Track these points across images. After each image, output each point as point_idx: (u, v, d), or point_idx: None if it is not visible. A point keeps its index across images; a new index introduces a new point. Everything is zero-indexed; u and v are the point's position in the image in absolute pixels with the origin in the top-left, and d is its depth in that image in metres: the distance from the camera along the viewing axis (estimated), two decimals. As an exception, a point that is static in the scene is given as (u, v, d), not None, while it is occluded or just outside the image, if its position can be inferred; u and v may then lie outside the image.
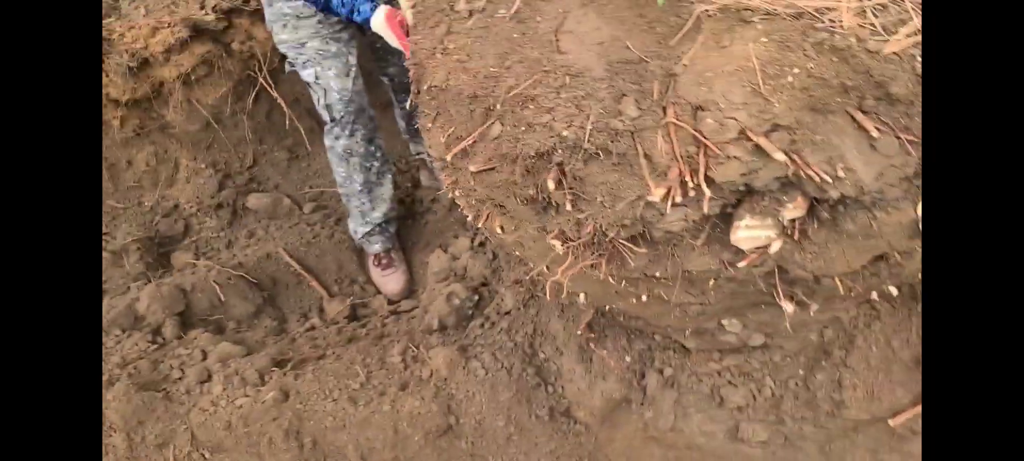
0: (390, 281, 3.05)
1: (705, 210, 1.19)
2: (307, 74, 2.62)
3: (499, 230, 1.54)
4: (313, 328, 2.87)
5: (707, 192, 1.17)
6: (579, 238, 1.34)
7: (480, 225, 1.58)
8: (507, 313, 2.38)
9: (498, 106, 1.38)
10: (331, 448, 2.20)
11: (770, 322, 1.58)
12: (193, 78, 3.16)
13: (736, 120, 1.15)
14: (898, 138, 1.12)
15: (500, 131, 1.38)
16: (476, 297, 2.60)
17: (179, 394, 2.30)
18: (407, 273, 3.10)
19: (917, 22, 1.11)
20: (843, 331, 1.57)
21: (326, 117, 2.70)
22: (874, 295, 1.51)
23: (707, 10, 1.23)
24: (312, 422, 2.21)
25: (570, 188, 1.30)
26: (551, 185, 1.30)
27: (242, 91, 3.37)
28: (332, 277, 3.21)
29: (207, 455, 2.22)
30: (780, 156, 1.14)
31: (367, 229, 2.95)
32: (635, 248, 1.31)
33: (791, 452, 1.65)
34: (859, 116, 1.13)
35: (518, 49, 1.41)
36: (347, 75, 2.62)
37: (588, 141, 1.24)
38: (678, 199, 1.21)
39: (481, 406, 2.16)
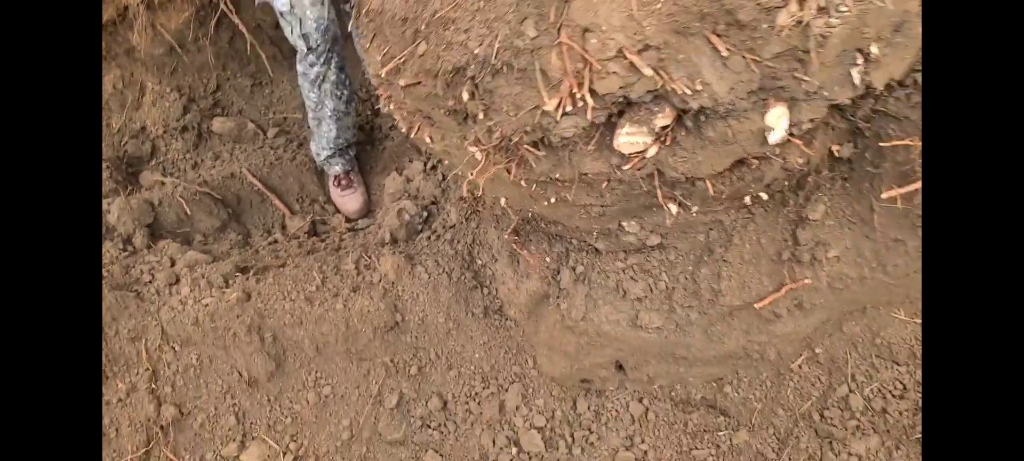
0: (349, 201, 3.26)
1: (589, 117, 1.43)
2: (281, 4, 2.64)
3: (428, 140, 1.77)
4: (275, 242, 3.10)
5: (591, 102, 1.40)
6: (491, 143, 1.57)
7: (412, 136, 1.80)
8: (451, 226, 2.62)
9: (424, 27, 1.59)
10: (289, 342, 2.45)
11: (663, 224, 1.83)
12: (156, 2, 3.27)
13: (615, 41, 1.38)
14: (743, 57, 1.36)
15: (425, 49, 1.59)
16: (425, 214, 2.84)
17: (150, 294, 2.52)
18: (365, 194, 3.31)
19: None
20: (724, 232, 1.83)
21: (302, 46, 2.74)
22: (748, 200, 1.78)
23: (597, -53, 1.43)
24: (272, 319, 2.45)
25: (481, 99, 1.52)
26: (465, 96, 1.52)
27: (204, 16, 3.49)
28: (294, 196, 3.42)
29: (177, 348, 2.46)
30: (649, 72, 1.37)
31: (329, 152, 3.14)
32: (536, 152, 1.55)
33: (681, 335, 1.93)
34: (714, 39, 1.36)
35: (444, -23, 1.60)
36: (322, 3, 2.66)
37: (495, 58, 1.46)
38: (569, 109, 1.44)
39: (424, 305, 2.42)
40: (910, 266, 1.67)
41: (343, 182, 3.23)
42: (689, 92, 1.39)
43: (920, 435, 1.71)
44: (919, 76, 1.58)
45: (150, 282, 2.64)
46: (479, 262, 2.44)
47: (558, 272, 2.05)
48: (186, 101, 3.62)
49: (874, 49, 1.38)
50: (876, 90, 1.48)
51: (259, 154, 3.56)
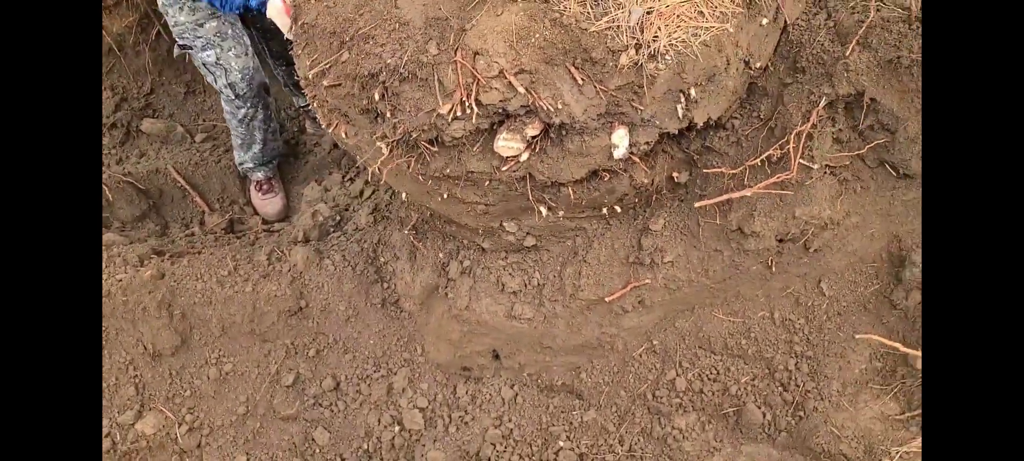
0: (269, 204, 3.47)
1: (474, 123, 1.78)
2: (206, 56, 2.71)
3: (344, 135, 2.08)
4: (192, 234, 3.28)
5: (475, 110, 1.76)
6: (395, 138, 1.90)
7: (331, 131, 2.10)
8: (360, 229, 2.90)
9: (348, 40, 1.92)
10: (197, 319, 2.64)
11: (537, 226, 2.19)
12: (102, 5, 3.47)
13: (498, 63, 1.75)
14: (594, 86, 1.75)
15: (347, 57, 1.92)
16: (338, 218, 3.11)
17: (66, 265, 2.66)
18: (285, 199, 3.53)
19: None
20: (587, 237, 2.21)
21: (230, 94, 2.87)
22: (605, 211, 2.16)
23: (491, -11, 1.82)
24: (183, 297, 2.64)
25: (389, 101, 1.86)
26: (377, 97, 1.86)
27: (146, 24, 3.71)
28: (215, 196, 3.61)
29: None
30: (522, 90, 1.74)
31: (252, 165, 3.32)
32: (431, 149, 1.88)
33: (548, 326, 2.27)
34: (573, 70, 1.75)
35: (368, 4, 1.95)
36: (247, 54, 2.78)
37: (403, 67, 1.81)
38: (458, 114, 1.79)
39: (328, 294, 2.68)
40: (726, 272, 2.08)
41: (264, 187, 3.44)
42: (553, 109, 1.77)
43: (726, 411, 2.09)
44: (736, 121, 2.03)
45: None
46: (382, 259, 2.73)
47: (447, 265, 2.37)
48: (118, 100, 3.78)
49: (693, 92, 1.81)
50: (697, 125, 1.90)
51: (185, 154, 3.73)
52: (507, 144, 1.85)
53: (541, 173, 1.92)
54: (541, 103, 1.76)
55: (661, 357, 2.21)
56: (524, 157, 1.89)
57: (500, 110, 1.80)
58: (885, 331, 1.97)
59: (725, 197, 1.91)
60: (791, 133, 1.83)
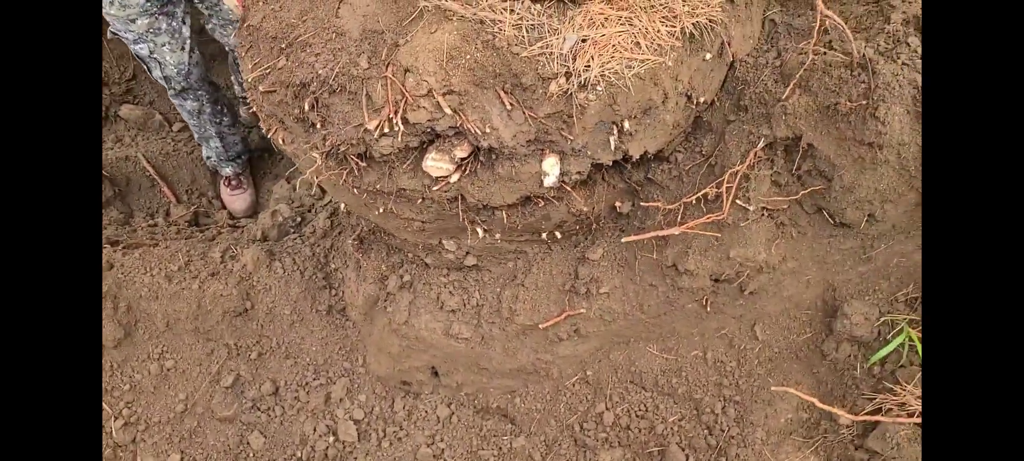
0: (237, 200, 3.46)
1: (400, 141, 1.75)
2: (139, 48, 2.61)
3: (281, 141, 2.05)
4: (155, 225, 3.27)
5: (401, 128, 1.72)
6: (325, 149, 1.86)
7: (270, 136, 2.08)
8: (316, 232, 2.88)
9: (287, 46, 1.89)
10: (142, 314, 2.63)
11: (476, 246, 2.15)
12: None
13: (427, 83, 1.71)
14: (523, 112, 1.71)
15: (284, 64, 1.89)
16: (299, 219, 3.09)
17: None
18: (253, 196, 3.52)
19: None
20: (527, 261, 2.17)
21: (167, 87, 2.81)
22: (545, 236, 2.12)
23: (427, 6, 1.78)
24: (129, 290, 2.63)
25: (320, 112, 1.82)
26: (307, 107, 1.83)
27: (129, 10, 3.69)
28: (184, 187, 3.60)
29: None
30: (449, 111, 1.70)
31: (216, 160, 3.30)
32: (360, 163, 1.85)
33: (484, 347, 2.24)
34: (502, 94, 1.71)
35: (312, 10, 1.92)
36: (182, 49, 2.66)
37: (334, 80, 1.78)
38: (386, 131, 1.75)
39: (275, 297, 2.65)
40: (661, 308, 2.04)
41: (233, 183, 3.42)
42: (480, 133, 1.73)
43: (651, 449, 2.05)
44: (680, 155, 1.98)
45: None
46: (333, 265, 2.70)
47: (387, 278, 2.34)
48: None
49: (627, 124, 1.76)
50: (632, 158, 1.85)
51: (159, 143, 3.73)
52: (436, 164, 1.81)
53: (472, 196, 1.88)
54: (469, 126, 1.72)
55: (593, 388, 2.17)
56: (454, 178, 1.85)
57: (428, 129, 1.76)
58: (814, 381, 1.92)
59: (652, 234, 1.87)
60: (728, 172, 1.78)
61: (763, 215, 1.85)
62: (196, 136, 3.19)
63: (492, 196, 1.88)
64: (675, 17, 1.75)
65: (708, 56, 1.83)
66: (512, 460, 2.20)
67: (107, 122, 3.83)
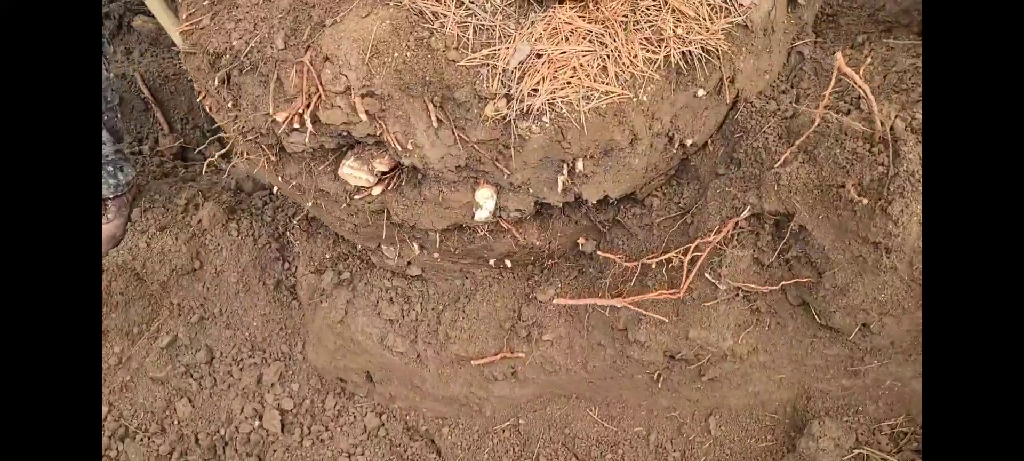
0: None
1: (308, 141, 1.48)
2: None
3: (207, 108, 1.80)
4: (139, 153, 3.12)
5: (309, 127, 1.45)
6: (237, 132, 1.61)
7: (199, 100, 1.84)
8: (282, 194, 2.66)
9: (218, 3, 1.63)
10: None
11: (418, 258, 1.89)
12: None
13: (347, 78, 1.42)
14: (453, 132, 1.41)
15: (206, 24, 1.63)
16: (276, 173, 2.87)
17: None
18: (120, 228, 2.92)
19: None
20: (474, 284, 1.89)
21: None
22: (493, 262, 1.84)
23: (365, -16, 1.48)
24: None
25: (231, 90, 1.57)
26: (217, 82, 1.57)
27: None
28: (179, 115, 3.43)
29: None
30: (364, 117, 1.42)
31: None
32: (271, 155, 1.59)
33: (419, 366, 2.00)
34: (430, 107, 1.41)
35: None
36: None
37: (246, 56, 1.51)
38: (297, 126, 1.48)
39: (225, 260, 2.47)
40: (608, 372, 1.74)
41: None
42: (402, 148, 1.44)
43: None
44: (656, 201, 1.65)
45: None
46: (290, 237, 2.49)
47: (324, 273, 2.11)
48: (118, -9, 3.61)
49: (580, 164, 1.44)
50: (588, 203, 1.53)
51: (163, 64, 3.56)
52: (353, 173, 1.54)
53: (397, 214, 1.61)
54: (389, 138, 1.44)
55: (523, 440, 1.91)
56: (376, 191, 1.57)
57: (345, 133, 1.48)
58: None
59: (589, 301, 1.55)
60: (697, 240, 1.44)
61: (736, 296, 1.51)
62: None
63: (420, 218, 1.60)
64: (661, 41, 1.40)
65: (701, 92, 1.47)
66: (424, 498, 1.99)
67: (120, 32, 3.68)
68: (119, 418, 2.41)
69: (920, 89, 1.35)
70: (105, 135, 2.54)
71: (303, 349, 2.35)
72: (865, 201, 1.27)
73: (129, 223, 2.58)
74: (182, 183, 2.85)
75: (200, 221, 2.52)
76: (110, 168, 2.52)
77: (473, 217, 1.54)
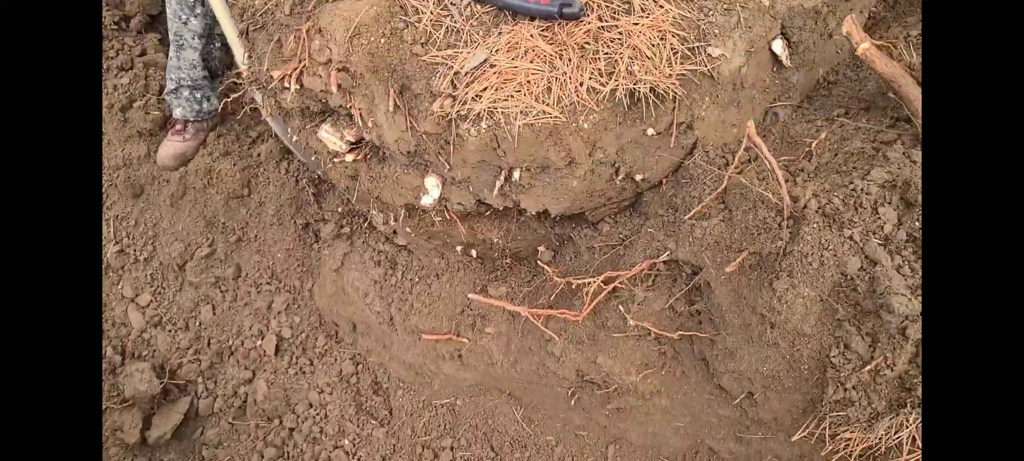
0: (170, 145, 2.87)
1: (290, 100, 1.65)
2: None
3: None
4: (233, 85, 3.49)
5: (293, 89, 1.63)
6: (250, 79, 1.83)
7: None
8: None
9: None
10: (151, 176, 2.85)
11: (401, 229, 2.04)
12: None
13: (330, 51, 1.58)
14: (406, 119, 1.53)
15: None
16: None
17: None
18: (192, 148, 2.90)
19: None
20: (445, 266, 2.01)
21: None
22: (459, 250, 1.95)
23: (368, -29, 1.63)
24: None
25: (251, 40, 1.78)
26: (238, 31, 1.78)
27: None
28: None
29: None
30: (335, 88, 1.57)
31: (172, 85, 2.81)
32: (272, 108, 1.79)
33: (389, 328, 2.15)
34: (392, 92, 1.54)
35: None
36: None
37: (261, 15, 1.71)
38: (286, 85, 1.67)
39: (269, 193, 2.74)
40: (532, 377, 1.81)
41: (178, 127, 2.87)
42: (363, 124, 1.59)
43: None
44: (606, 226, 1.69)
45: (111, 56, 3.10)
46: (325, 186, 2.72)
47: (330, 222, 2.31)
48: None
49: (516, 174, 1.52)
50: (528, 212, 1.60)
51: None
52: (329, 137, 1.71)
53: (363, 184, 1.76)
54: (355, 112, 1.59)
55: (455, 419, 2.01)
56: (348, 159, 1.73)
57: (323, 101, 1.65)
58: None
59: (498, 303, 1.62)
60: (605, 273, 1.48)
61: (648, 335, 1.53)
62: (172, 32, 2.73)
63: (382, 191, 1.74)
64: (612, 74, 1.44)
65: (650, 131, 1.50)
66: (362, 447, 2.14)
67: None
68: (157, 308, 2.76)
69: (855, 173, 1.30)
70: (200, 70, 2.85)
71: (312, 288, 2.58)
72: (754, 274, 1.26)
73: (203, 146, 2.92)
74: (259, 120, 3.16)
75: (259, 154, 2.81)
76: (198, 94, 2.87)
77: (420, 200, 1.66)
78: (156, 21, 3.42)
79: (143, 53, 3.14)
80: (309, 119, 1.76)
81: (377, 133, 1.58)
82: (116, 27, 3.27)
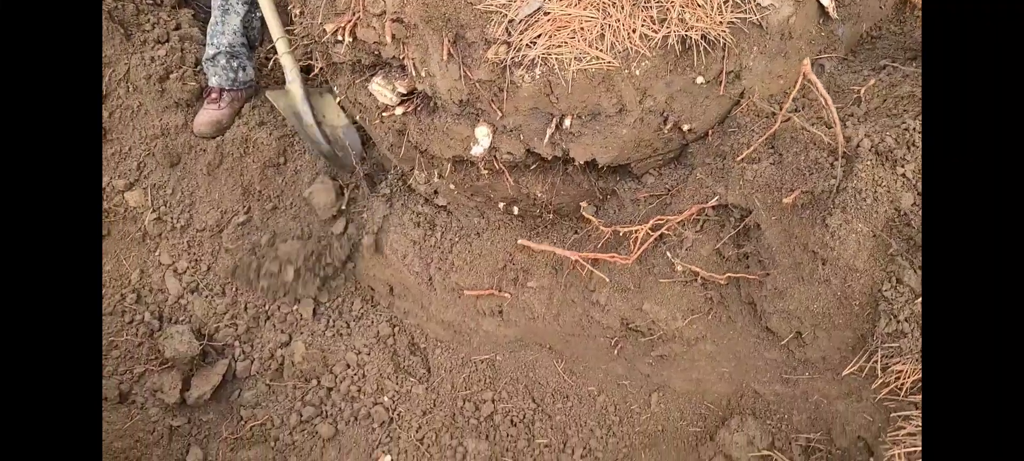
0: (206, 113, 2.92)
1: (347, 53, 1.69)
2: None
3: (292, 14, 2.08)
4: (268, 62, 3.53)
5: (346, 40, 1.67)
6: (301, 35, 1.87)
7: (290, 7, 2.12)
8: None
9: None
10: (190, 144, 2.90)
11: (446, 191, 2.08)
12: None
13: (384, 3, 1.62)
14: (460, 67, 1.57)
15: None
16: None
17: (137, 42, 3.03)
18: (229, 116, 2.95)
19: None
20: (486, 224, 2.05)
21: None
22: (502, 207, 1.98)
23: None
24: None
25: (302, 2, 1.82)
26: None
27: None
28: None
29: (129, 89, 2.97)
30: (390, 39, 1.61)
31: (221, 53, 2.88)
32: (320, 62, 1.83)
33: (428, 288, 2.19)
34: (446, 41, 1.57)
35: None
36: None
37: (317, -27, 1.75)
38: (339, 38, 1.71)
39: (305, 161, 2.79)
40: (575, 328, 1.84)
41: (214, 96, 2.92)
42: (417, 74, 1.62)
43: (507, 459, 1.90)
44: (650, 179, 1.72)
45: (148, 30, 3.15)
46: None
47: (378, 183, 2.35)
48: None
49: (567, 121, 1.55)
50: (575, 161, 1.64)
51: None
52: (380, 90, 1.74)
53: (412, 136, 1.80)
54: (408, 63, 1.62)
55: (495, 374, 2.05)
56: (398, 112, 1.77)
57: (375, 52, 1.69)
58: None
59: (546, 248, 1.65)
60: (653, 218, 1.51)
61: (694, 280, 1.56)
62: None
63: (430, 143, 1.78)
64: (664, 21, 1.47)
65: (700, 80, 1.53)
66: (401, 403, 2.18)
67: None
68: (195, 273, 2.81)
69: (901, 113, 1.33)
70: (240, 36, 2.96)
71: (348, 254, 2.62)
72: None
73: (239, 116, 2.96)
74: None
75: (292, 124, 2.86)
76: (234, 64, 2.92)
77: (470, 151, 1.70)
78: (189, -2, 3.48)
79: (177, 27, 3.19)
80: (359, 73, 1.80)
81: (430, 83, 1.62)
82: (152, 2, 3.33)
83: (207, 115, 2.91)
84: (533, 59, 1.47)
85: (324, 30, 1.74)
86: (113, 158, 2.94)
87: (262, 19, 2.92)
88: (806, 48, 1.61)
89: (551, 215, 1.92)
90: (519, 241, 1.80)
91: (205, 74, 2.95)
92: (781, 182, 1.38)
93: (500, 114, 1.57)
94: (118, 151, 2.94)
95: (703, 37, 1.46)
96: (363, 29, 1.65)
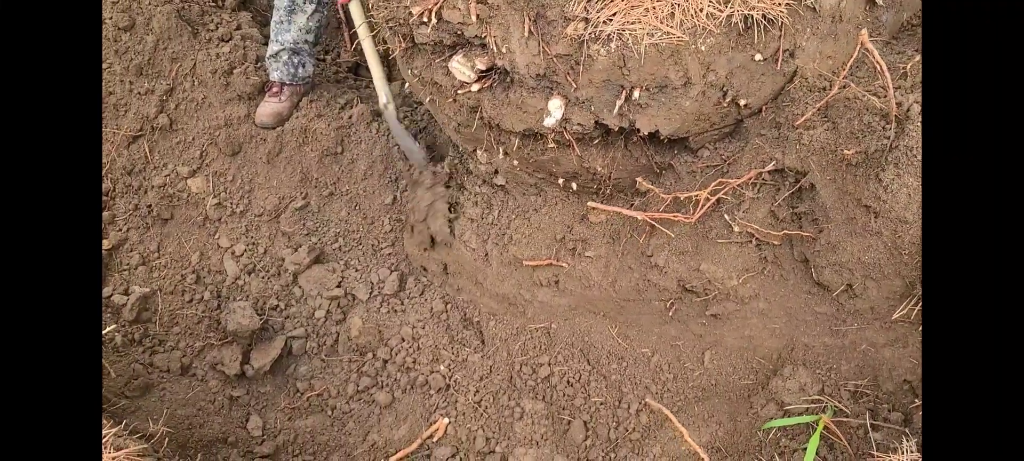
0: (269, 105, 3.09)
1: (431, 34, 1.86)
2: None
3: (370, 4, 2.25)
4: (324, 59, 3.72)
5: (433, 21, 1.83)
6: (383, 17, 2.04)
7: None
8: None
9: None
10: (250, 135, 3.07)
11: (506, 171, 2.22)
12: None
13: (468, -13, 1.79)
14: (539, 43, 1.73)
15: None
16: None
17: (202, 40, 3.22)
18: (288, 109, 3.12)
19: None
20: (542, 200, 2.19)
21: None
22: (561, 182, 2.13)
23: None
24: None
25: (386, -11, 1.99)
26: (380, -19, 2.00)
27: None
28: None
29: (194, 83, 3.14)
30: (474, 18, 1.78)
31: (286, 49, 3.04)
32: (401, 45, 2.00)
33: (483, 263, 2.33)
34: (527, 19, 1.73)
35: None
36: None
37: (401, -42, 1.92)
38: (425, 20, 1.87)
39: (361, 151, 2.95)
40: (631, 294, 1.97)
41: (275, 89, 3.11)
42: (497, 50, 1.78)
43: (564, 417, 2.02)
44: (706, 152, 1.86)
45: (212, 29, 3.35)
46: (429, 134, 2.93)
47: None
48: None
49: (636, 93, 1.70)
50: (640, 132, 1.78)
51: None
52: (459, 67, 1.90)
53: (486, 111, 1.95)
54: (490, 40, 1.78)
55: (550, 341, 2.17)
56: (475, 89, 1.93)
57: (458, 32, 1.85)
58: (731, 428, 1.74)
59: (615, 210, 1.79)
60: (716, 180, 1.65)
61: (749, 241, 1.69)
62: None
63: (503, 118, 1.93)
64: (729, 1, 1.63)
65: (758, 57, 1.69)
66: (458, 370, 2.30)
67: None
68: (252, 256, 2.96)
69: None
70: (304, 35, 3.09)
71: (400, 237, 2.77)
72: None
73: (297, 109, 3.13)
74: (346, 88, 3.39)
75: (351, 116, 3.02)
76: (296, 60, 3.10)
77: (541, 122, 1.85)
78: (247, 2, 3.69)
79: (239, 27, 3.39)
80: (438, 54, 1.96)
81: (509, 59, 1.78)
82: (214, 4, 3.53)
83: (269, 107, 3.10)
84: (609, 34, 1.63)
85: (410, 13, 1.90)
86: (177, 147, 3.11)
87: (323, 21, 3.13)
88: (854, 32, 1.76)
89: (609, 190, 2.07)
90: (589, 204, 1.94)
91: (266, 69, 3.17)
92: (837, 144, 1.52)
93: (574, 86, 1.73)
94: (182, 141, 3.11)
95: (764, 16, 1.62)
96: (449, 10, 1.82)
